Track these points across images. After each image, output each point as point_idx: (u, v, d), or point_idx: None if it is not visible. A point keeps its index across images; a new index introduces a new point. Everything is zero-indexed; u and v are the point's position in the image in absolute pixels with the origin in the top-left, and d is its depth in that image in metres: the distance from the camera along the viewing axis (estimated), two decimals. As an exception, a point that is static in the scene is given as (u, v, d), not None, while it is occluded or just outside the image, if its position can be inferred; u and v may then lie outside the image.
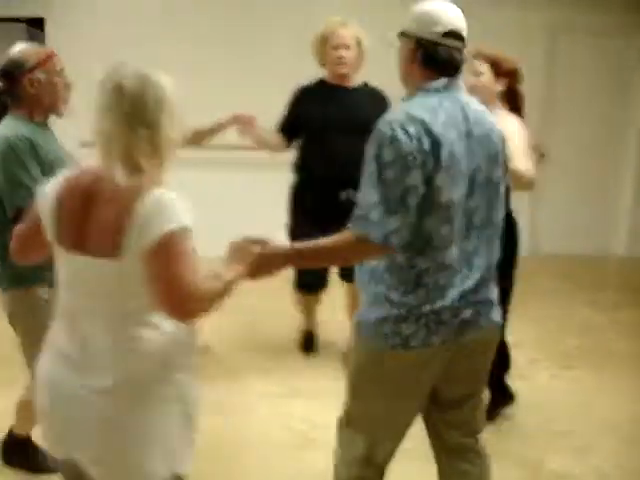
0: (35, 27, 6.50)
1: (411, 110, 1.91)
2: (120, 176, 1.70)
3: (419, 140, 1.84)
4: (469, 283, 2.02)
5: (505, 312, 3.25)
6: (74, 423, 1.79)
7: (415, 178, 1.84)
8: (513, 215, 3.17)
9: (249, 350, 4.41)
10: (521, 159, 2.94)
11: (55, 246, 1.82)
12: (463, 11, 2.03)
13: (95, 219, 1.72)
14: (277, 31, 6.08)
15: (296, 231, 3.91)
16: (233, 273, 1.81)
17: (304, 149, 3.95)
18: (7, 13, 6.17)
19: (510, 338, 3.50)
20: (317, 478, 2.84)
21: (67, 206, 1.77)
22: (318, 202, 3.83)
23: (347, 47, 3.77)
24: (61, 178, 1.84)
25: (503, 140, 2.10)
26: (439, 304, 1.98)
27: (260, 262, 1.90)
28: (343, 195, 3.68)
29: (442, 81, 1.98)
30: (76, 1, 6.17)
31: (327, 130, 3.78)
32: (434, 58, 1.97)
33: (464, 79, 3.07)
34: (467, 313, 2.04)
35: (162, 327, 1.78)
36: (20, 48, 2.64)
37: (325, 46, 3.82)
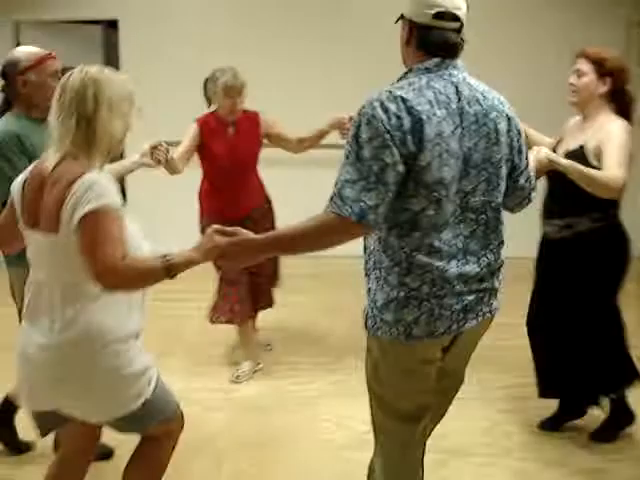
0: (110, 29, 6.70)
1: (394, 89, 1.88)
2: (54, 161, 1.97)
3: (398, 118, 1.80)
4: (468, 269, 1.95)
5: (618, 325, 3.13)
6: (32, 379, 2.06)
7: (392, 156, 1.79)
8: (617, 221, 3.03)
9: (309, 347, 4.42)
10: (610, 165, 2.80)
11: (21, 226, 2.06)
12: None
13: (45, 199, 1.97)
14: (369, 30, 5.97)
15: None
16: (182, 258, 1.93)
17: None
18: (84, 15, 6.43)
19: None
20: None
21: (28, 189, 2.04)
22: None
23: None
24: (31, 167, 2.10)
25: (510, 120, 2.02)
26: (439, 286, 1.92)
27: (230, 251, 1.94)
28: None
29: (433, 61, 1.94)
30: (149, 4, 6.33)
31: None
32: (426, 40, 1.94)
33: (570, 79, 3.00)
34: (469, 299, 1.98)
35: (101, 299, 1.98)
36: (19, 49, 2.89)
37: None
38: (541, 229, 3.17)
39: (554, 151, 2.97)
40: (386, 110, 1.82)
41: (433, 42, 1.94)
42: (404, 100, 1.84)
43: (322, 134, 3.82)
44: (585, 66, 2.99)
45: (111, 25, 6.65)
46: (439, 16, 1.92)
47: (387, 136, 1.80)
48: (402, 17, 2.01)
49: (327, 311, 5.00)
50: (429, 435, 2.23)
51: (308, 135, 3.88)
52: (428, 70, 1.94)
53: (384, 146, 1.80)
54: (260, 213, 3.97)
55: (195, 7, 6.34)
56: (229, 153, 3.81)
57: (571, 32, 5.65)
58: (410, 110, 1.83)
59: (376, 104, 1.84)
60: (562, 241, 3.06)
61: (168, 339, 4.42)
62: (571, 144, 3.02)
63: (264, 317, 4.29)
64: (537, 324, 3.23)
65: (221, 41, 6.14)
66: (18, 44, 6.51)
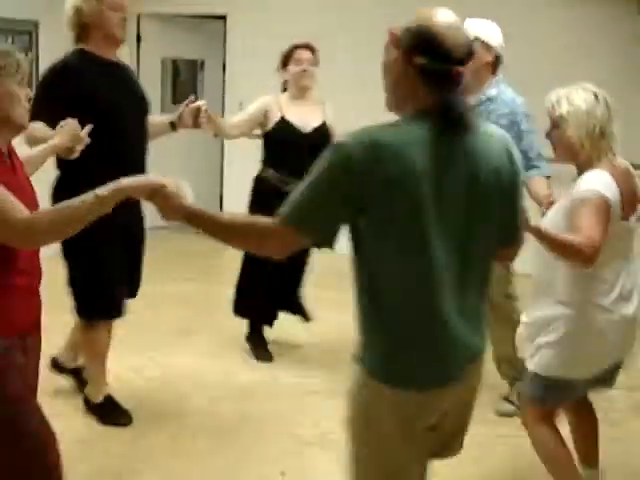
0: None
1: None
2: None
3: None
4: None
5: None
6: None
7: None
8: None
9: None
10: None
11: None
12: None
13: None
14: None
15: None
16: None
17: None
18: (197, 10, 6.90)
19: None
20: None
21: None
22: None
23: None
24: None
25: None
26: None
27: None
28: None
29: None
30: (256, 0, 6.67)
31: None
32: None
33: None
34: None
35: None
36: None
37: None
38: None
39: None
40: None
41: None
42: None
43: None
44: None
45: (219, 19, 7.07)
46: None
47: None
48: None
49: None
50: None
51: None
52: None
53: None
54: None
55: (300, 3, 6.62)
56: None
57: None
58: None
59: None
60: None
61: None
62: None
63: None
64: None
65: (326, 37, 6.03)
66: (139, 35, 6.90)
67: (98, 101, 2.95)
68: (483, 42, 3.25)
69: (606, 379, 2.61)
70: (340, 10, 6.42)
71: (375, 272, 1.68)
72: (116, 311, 3.19)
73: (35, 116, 2.44)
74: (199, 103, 3.30)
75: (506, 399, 3.50)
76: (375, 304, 1.70)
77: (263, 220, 1.73)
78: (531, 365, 2.52)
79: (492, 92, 3.34)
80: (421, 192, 1.60)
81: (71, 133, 2.57)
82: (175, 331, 4.49)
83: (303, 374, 3.98)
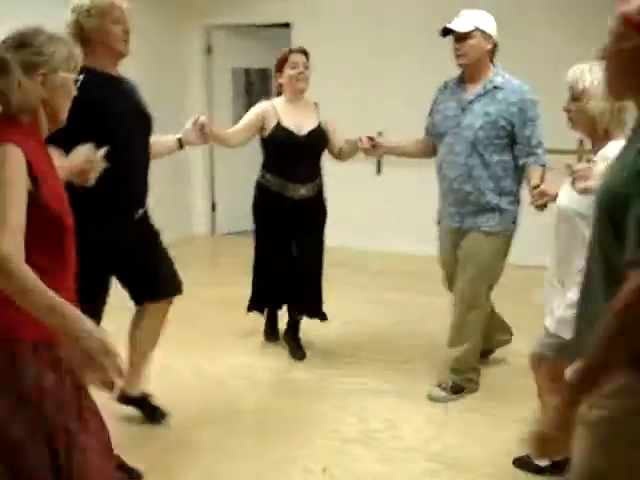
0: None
1: None
2: None
3: None
4: None
5: None
6: None
7: None
8: None
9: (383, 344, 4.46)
10: None
11: None
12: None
13: None
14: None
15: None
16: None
17: None
18: (263, 19, 7.06)
19: None
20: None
21: None
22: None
23: None
24: None
25: None
26: None
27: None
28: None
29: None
30: (318, 8, 6.79)
31: None
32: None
33: None
34: None
35: None
36: None
37: None
38: None
39: None
40: None
41: None
42: None
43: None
44: None
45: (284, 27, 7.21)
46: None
47: None
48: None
49: (421, 313, 4.90)
50: None
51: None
52: None
53: None
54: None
55: (363, 9, 6.66)
56: None
57: None
58: None
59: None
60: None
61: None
62: None
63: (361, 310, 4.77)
64: None
65: (388, 44, 6.47)
66: (209, 47, 7.14)
67: (107, 117, 2.88)
68: (483, 31, 3.38)
69: None
70: (401, 16, 6.43)
71: None
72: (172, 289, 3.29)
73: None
74: (202, 119, 3.38)
75: None
76: None
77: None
78: None
79: (498, 80, 3.44)
80: None
81: (86, 154, 2.45)
82: (235, 332, 4.66)
83: (352, 373, 4.08)
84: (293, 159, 3.97)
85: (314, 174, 4.07)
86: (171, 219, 5.89)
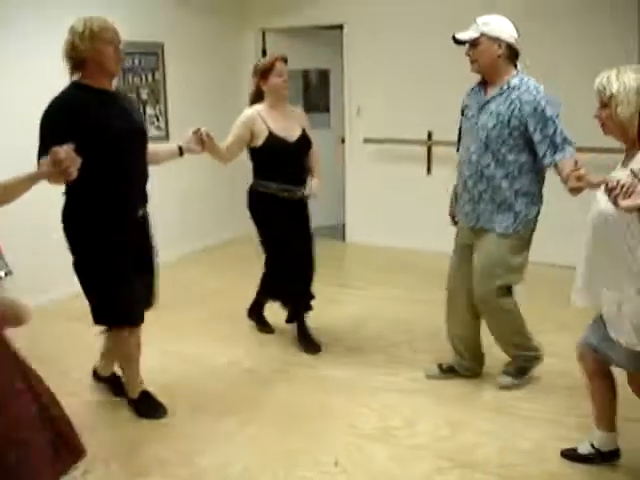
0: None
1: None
2: None
3: None
4: None
5: None
6: None
7: None
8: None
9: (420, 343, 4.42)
10: None
11: None
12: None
13: None
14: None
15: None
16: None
17: None
18: (316, 22, 7.17)
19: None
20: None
21: None
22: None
23: None
24: None
25: None
26: None
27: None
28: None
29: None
30: (370, 10, 6.82)
31: None
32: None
33: None
34: None
35: None
36: None
37: None
38: None
39: None
40: None
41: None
42: None
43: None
44: None
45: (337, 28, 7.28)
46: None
47: None
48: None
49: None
50: None
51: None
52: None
53: None
54: None
55: (410, 12, 6.64)
56: None
57: None
58: None
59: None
60: None
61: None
62: None
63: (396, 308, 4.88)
64: None
65: (437, 46, 6.00)
66: (264, 49, 7.30)
67: (103, 130, 3.07)
68: (490, 37, 3.40)
69: None
70: (448, 19, 6.27)
71: None
72: (138, 317, 3.37)
73: (42, 156, 2.63)
74: (203, 130, 3.59)
75: None
76: None
77: None
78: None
79: (514, 81, 3.45)
80: None
81: (65, 150, 2.52)
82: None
83: (380, 371, 4.12)
84: (286, 164, 4.20)
85: (306, 174, 4.32)
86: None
